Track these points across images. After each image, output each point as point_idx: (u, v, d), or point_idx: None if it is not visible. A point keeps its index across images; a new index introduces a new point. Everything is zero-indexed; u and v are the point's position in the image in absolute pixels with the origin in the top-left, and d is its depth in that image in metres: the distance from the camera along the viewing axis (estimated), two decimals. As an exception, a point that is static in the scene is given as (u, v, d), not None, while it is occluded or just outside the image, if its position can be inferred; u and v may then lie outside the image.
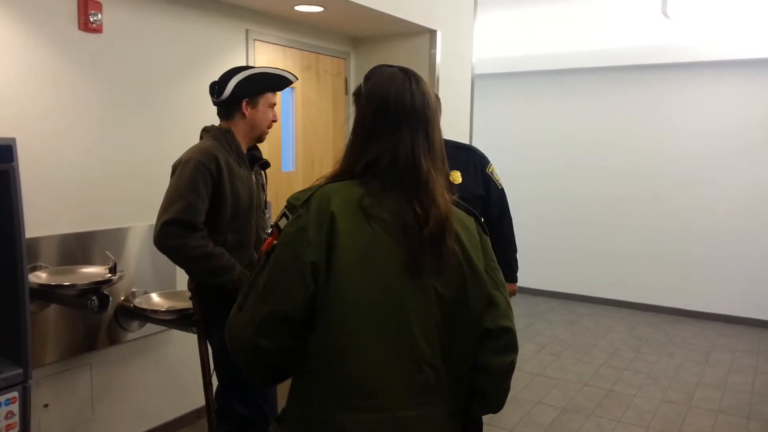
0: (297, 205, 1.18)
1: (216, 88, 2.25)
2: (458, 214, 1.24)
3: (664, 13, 4.87)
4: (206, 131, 2.26)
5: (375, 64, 3.75)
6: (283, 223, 1.19)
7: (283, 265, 1.15)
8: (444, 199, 1.19)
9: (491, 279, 1.23)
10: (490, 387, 1.26)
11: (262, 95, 2.27)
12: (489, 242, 1.28)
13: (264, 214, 2.39)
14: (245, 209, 2.21)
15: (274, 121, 2.34)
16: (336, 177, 1.24)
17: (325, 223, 1.14)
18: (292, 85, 3.83)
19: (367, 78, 1.26)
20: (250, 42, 3.50)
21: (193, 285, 2.24)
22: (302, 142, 4.01)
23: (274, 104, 2.33)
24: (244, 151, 2.29)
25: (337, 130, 4.29)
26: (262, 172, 2.47)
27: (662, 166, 5.88)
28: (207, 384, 2.34)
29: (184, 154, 2.15)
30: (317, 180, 1.25)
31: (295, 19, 3.74)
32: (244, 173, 2.23)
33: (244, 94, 2.22)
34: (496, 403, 1.29)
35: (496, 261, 1.27)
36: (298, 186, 3.98)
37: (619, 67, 5.96)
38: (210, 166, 2.09)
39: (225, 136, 2.22)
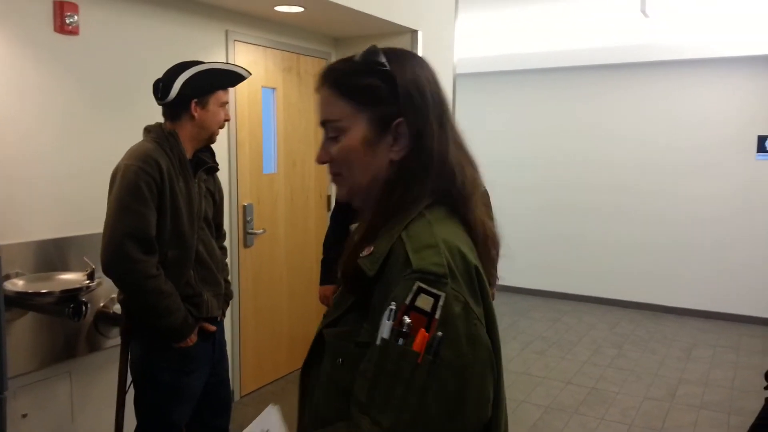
0: (440, 272, 0.88)
1: (161, 87, 2.04)
2: None
3: (643, 12, 4.90)
4: (148, 131, 2.08)
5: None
6: (427, 303, 0.87)
7: (466, 361, 0.87)
8: None
9: None
10: None
11: (213, 94, 2.07)
12: None
13: (210, 225, 2.20)
14: (186, 223, 2.03)
15: (227, 120, 2.16)
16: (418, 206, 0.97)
17: (477, 284, 0.93)
18: (273, 86, 3.83)
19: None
20: (230, 43, 3.46)
21: (122, 297, 2.10)
22: (284, 144, 3.98)
23: (226, 102, 2.14)
24: (190, 156, 2.10)
25: (319, 131, 4.25)
26: (213, 177, 2.26)
27: (641, 166, 5.94)
28: (120, 405, 2.26)
29: (122, 159, 1.97)
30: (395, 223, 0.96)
31: (276, 20, 3.71)
32: (184, 183, 2.03)
33: (192, 94, 2.03)
34: None
35: None
36: (281, 187, 3.95)
37: (599, 66, 6.01)
38: (152, 172, 1.92)
39: (168, 139, 2.02)
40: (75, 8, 2.59)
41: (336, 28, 4.01)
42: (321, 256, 2.95)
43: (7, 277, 2.32)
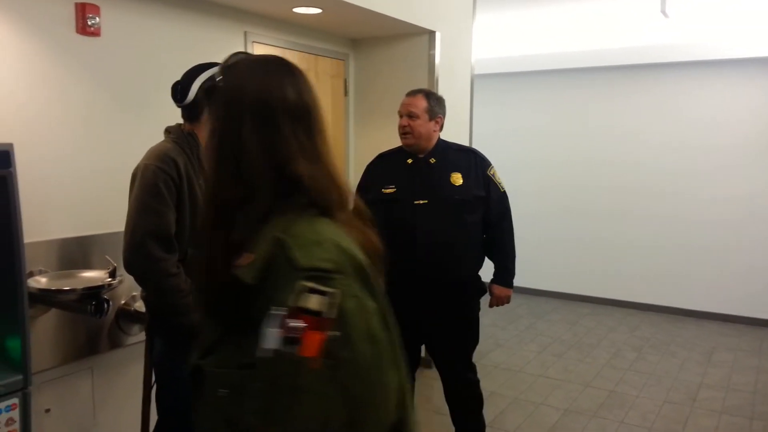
0: (330, 269, 0.84)
1: (179, 90, 2.07)
2: None
3: (663, 13, 4.86)
4: (168, 132, 2.12)
5: (374, 66, 3.75)
6: (317, 302, 0.81)
7: (369, 358, 0.83)
8: None
9: None
10: None
11: None
12: None
13: None
14: None
15: None
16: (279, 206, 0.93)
17: (368, 280, 0.90)
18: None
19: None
20: (249, 44, 3.49)
21: (145, 294, 2.13)
22: (302, 145, 4.00)
23: None
24: None
25: (337, 132, 4.28)
26: None
27: (662, 167, 5.87)
28: (146, 401, 2.29)
29: (141, 160, 2.01)
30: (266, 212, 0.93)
31: (294, 21, 3.73)
32: (204, 182, 2.09)
33: (210, 96, 2.03)
34: None
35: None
36: (298, 188, 3.97)
37: (618, 66, 5.96)
38: (171, 171, 1.95)
39: (187, 139, 2.06)
40: (96, 10, 2.64)
41: (354, 29, 4.03)
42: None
43: (31, 275, 2.36)
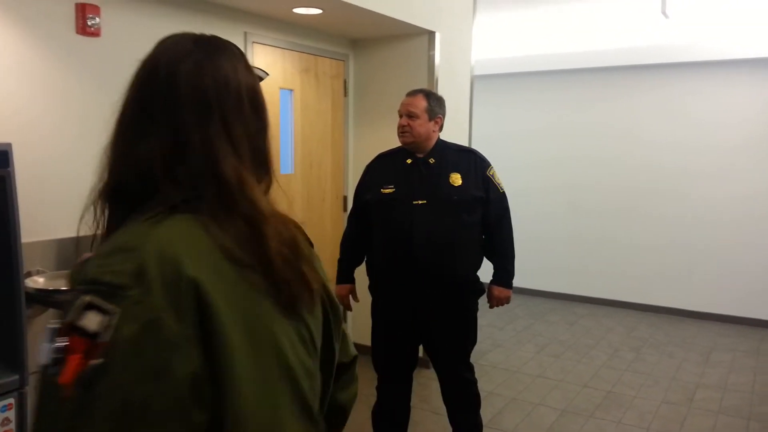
0: (120, 283, 0.69)
1: None
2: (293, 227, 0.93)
3: (664, 13, 4.86)
4: None
5: (374, 66, 3.76)
6: (96, 321, 0.67)
7: (134, 401, 0.66)
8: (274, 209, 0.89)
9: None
10: (342, 424, 1.06)
11: None
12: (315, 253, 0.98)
13: None
14: None
15: None
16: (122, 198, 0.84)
17: (188, 299, 0.71)
18: (291, 88, 3.85)
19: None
20: (249, 44, 3.49)
21: None
22: (301, 145, 4.00)
23: None
24: None
25: (336, 132, 4.28)
26: None
27: (661, 167, 5.88)
28: None
29: None
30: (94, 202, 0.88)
31: (294, 22, 3.74)
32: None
33: None
34: None
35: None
36: (298, 188, 3.98)
37: (618, 67, 5.97)
38: None
39: None
40: (97, 10, 2.64)
41: (354, 29, 4.03)
42: (338, 256, 2.97)
43: (28, 275, 2.36)
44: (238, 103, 0.87)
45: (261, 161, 0.91)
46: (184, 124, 0.82)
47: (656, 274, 5.95)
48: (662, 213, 5.91)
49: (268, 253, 0.81)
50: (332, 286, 3.02)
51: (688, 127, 5.75)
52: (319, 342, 0.91)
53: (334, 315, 0.97)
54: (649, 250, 5.98)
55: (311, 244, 0.98)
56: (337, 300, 0.99)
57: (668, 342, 5.08)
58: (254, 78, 0.93)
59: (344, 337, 1.04)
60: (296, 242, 0.88)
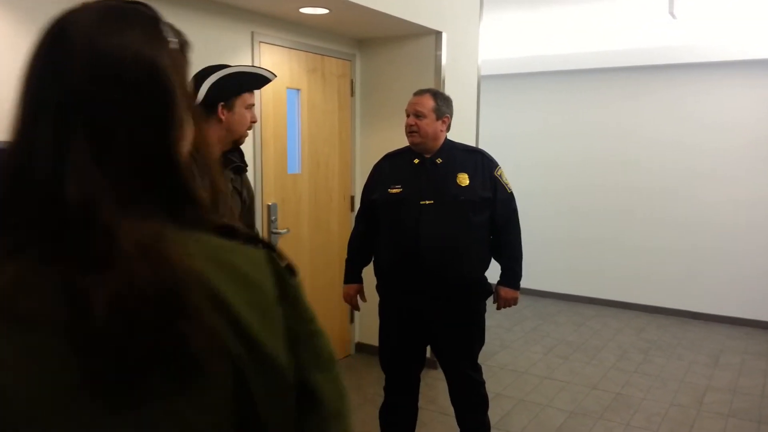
0: None
1: None
2: (225, 254, 0.66)
3: (671, 14, 4.84)
4: None
5: (381, 66, 3.75)
6: None
7: None
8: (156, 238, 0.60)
9: (306, 355, 0.71)
10: None
11: (239, 97, 2.09)
12: (298, 287, 0.74)
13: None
14: None
15: (254, 122, 2.18)
16: None
17: None
18: (298, 87, 3.86)
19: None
20: (256, 44, 3.50)
21: None
22: (308, 144, 4.00)
23: (252, 105, 2.16)
24: (218, 156, 2.12)
25: (343, 132, 4.28)
26: (240, 177, 2.27)
27: (670, 169, 5.84)
28: None
29: None
30: None
31: (301, 21, 3.74)
32: None
33: (219, 97, 2.05)
34: None
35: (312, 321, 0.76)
36: (305, 188, 3.98)
37: (625, 68, 5.94)
38: None
39: None
40: (105, 10, 2.64)
41: (360, 29, 4.03)
42: (345, 256, 2.96)
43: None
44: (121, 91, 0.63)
45: (154, 172, 0.64)
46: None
47: (665, 275, 5.92)
48: (672, 215, 5.87)
49: (93, 301, 0.56)
50: (340, 288, 3.03)
51: (700, 127, 5.69)
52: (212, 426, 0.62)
53: (261, 379, 0.64)
54: (658, 252, 5.94)
55: (292, 272, 0.73)
56: (276, 353, 0.67)
57: (677, 344, 5.04)
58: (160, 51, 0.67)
59: (317, 404, 0.72)
60: (172, 291, 0.59)
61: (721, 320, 5.65)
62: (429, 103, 2.63)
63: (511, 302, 2.82)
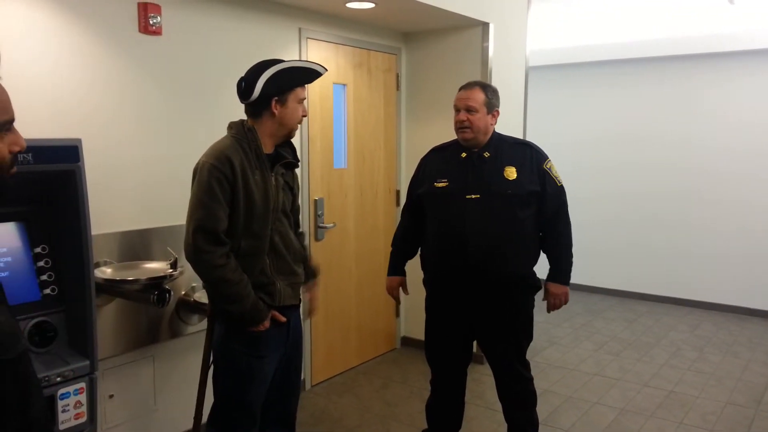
0: None
1: (243, 87, 2.12)
2: None
3: (729, 0, 4.66)
4: (230, 127, 2.18)
5: (427, 59, 3.77)
6: None
7: None
8: None
9: None
10: None
11: (292, 91, 2.14)
12: None
13: (288, 217, 2.29)
14: (260, 214, 2.11)
15: (305, 116, 2.23)
16: None
17: None
18: (344, 82, 3.88)
19: None
20: (303, 40, 3.53)
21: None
22: (354, 139, 4.02)
23: (304, 99, 2.20)
24: (270, 149, 2.19)
25: (389, 126, 4.29)
26: (291, 171, 2.33)
27: (724, 162, 5.63)
28: (202, 384, 2.38)
29: (201, 157, 2.10)
30: None
31: (347, 17, 3.76)
32: (260, 176, 2.12)
33: (273, 92, 2.10)
34: None
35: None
36: (351, 182, 4.01)
37: (681, 56, 5.73)
38: (224, 169, 2.02)
39: (247, 135, 2.12)
40: (158, 9, 2.72)
41: (406, 23, 4.02)
42: (390, 249, 2.97)
43: (96, 266, 2.46)
44: None
45: None
46: None
47: (719, 271, 5.72)
48: (725, 210, 5.66)
49: None
50: (383, 279, 3.04)
51: (761, 118, 5.47)
52: None
53: None
54: (710, 247, 5.74)
55: None
56: None
57: (733, 341, 4.88)
58: None
59: None
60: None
61: (781, 317, 5.43)
62: (480, 96, 2.59)
63: (561, 299, 2.76)
